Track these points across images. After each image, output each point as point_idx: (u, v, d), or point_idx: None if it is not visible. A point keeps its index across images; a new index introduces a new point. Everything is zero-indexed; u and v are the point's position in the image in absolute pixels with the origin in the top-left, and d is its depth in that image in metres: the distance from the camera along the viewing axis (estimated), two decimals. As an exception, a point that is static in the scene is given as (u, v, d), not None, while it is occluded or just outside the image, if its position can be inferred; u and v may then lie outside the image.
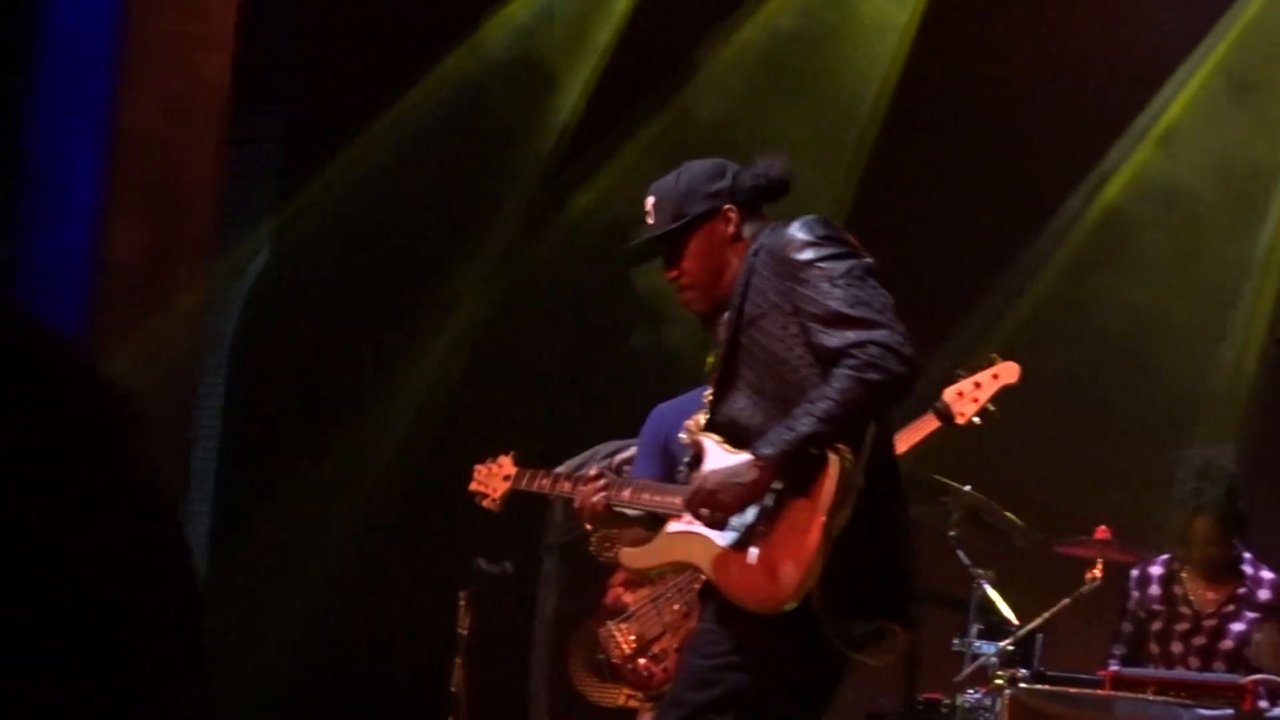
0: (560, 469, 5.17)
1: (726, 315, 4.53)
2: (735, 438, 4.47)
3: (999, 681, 6.48)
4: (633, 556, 4.79)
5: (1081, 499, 8.27)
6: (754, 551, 4.37)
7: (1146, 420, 8.75)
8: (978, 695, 6.63)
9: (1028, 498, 7.48)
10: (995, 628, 6.83)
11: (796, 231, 4.45)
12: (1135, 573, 7.03)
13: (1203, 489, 6.81)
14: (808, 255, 4.40)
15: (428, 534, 8.67)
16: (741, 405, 4.47)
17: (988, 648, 6.72)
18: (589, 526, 4.97)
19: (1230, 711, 6.17)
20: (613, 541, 5.49)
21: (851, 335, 4.29)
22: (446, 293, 9.33)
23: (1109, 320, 8.98)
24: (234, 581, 8.73)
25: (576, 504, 4.82)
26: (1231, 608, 6.87)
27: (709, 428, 4.55)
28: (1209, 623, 6.88)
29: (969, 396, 5.56)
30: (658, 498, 4.68)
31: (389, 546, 9.02)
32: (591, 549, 5.89)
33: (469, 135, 9.23)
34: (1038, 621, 6.72)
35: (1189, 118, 9.02)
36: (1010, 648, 6.67)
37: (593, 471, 4.85)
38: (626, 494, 4.74)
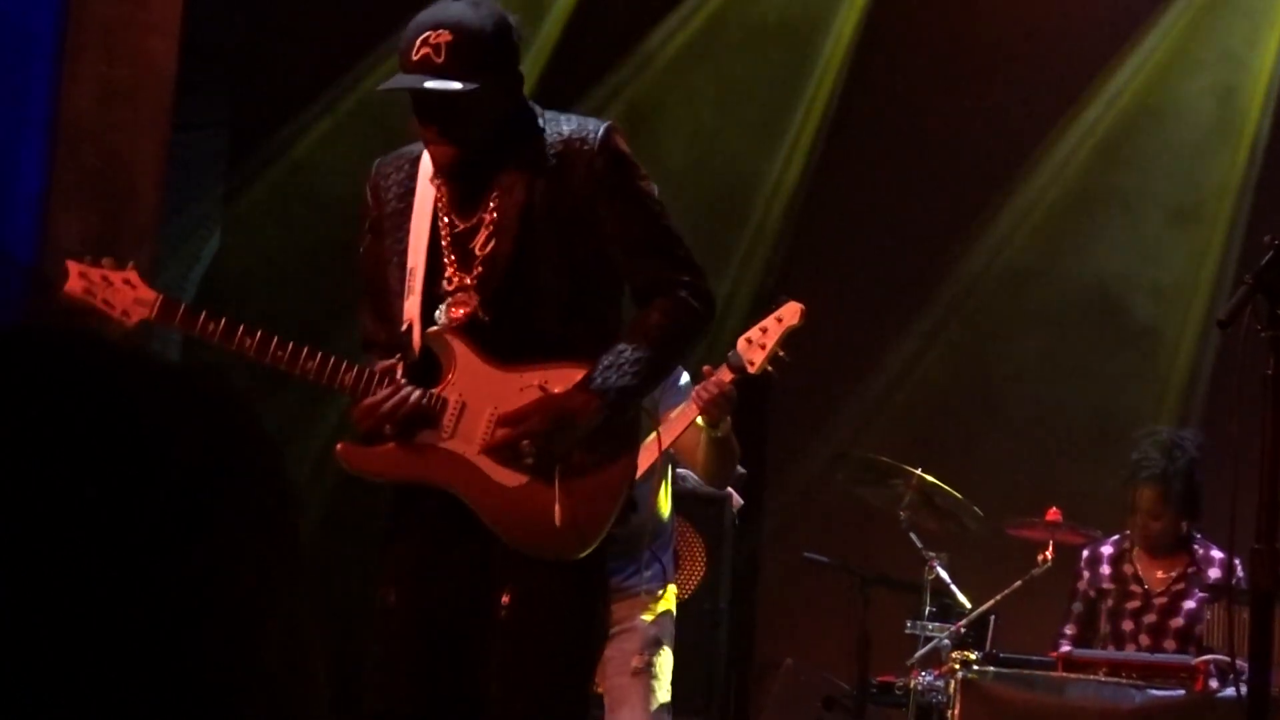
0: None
1: (495, 195, 4.05)
2: (507, 347, 4.07)
3: (952, 664, 6.48)
4: (361, 456, 4.14)
5: (1032, 481, 8.29)
6: (548, 500, 4.01)
7: (1094, 402, 8.77)
8: (930, 677, 6.63)
9: (978, 480, 7.50)
10: (948, 610, 6.84)
11: (606, 142, 4.05)
12: (1086, 553, 7.04)
13: (1155, 459, 6.82)
14: (622, 175, 4.05)
15: (357, 520, 8.64)
16: (531, 314, 4.06)
17: (940, 630, 6.72)
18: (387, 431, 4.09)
19: (1182, 692, 6.18)
20: None
21: (668, 272, 4.05)
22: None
23: (1053, 304, 8.99)
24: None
25: (369, 404, 4.07)
26: (1182, 586, 6.89)
27: (494, 326, 4.06)
28: (1159, 601, 6.89)
29: (757, 343, 5.26)
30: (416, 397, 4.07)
31: (338, 539, 8.98)
32: None
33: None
34: (990, 604, 6.72)
35: (1133, 100, 9.03)
36: (963, 630, 6.68)
37: (385, 366, 4.09)
38: (351, 379, 4.10)
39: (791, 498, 8.86)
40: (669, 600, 6.04)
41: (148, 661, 0.95)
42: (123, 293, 4.17)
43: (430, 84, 3.92)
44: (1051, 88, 9.06)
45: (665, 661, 6.02)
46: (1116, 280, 8.93)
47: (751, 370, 5.33)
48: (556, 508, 4.01)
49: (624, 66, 9.12)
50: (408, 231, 4.16)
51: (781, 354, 5.29)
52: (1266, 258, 3.88)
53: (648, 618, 5.94)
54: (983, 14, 9.26)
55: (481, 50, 3.94)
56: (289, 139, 8.93)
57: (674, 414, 5.60)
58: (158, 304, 4.17)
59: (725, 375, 5.45)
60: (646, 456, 5.00)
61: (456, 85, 3.91)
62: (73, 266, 4.21)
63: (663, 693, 5.95)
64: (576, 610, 4.10)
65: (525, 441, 4.01)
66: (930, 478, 6.80)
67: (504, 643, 4.07)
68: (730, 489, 6.29)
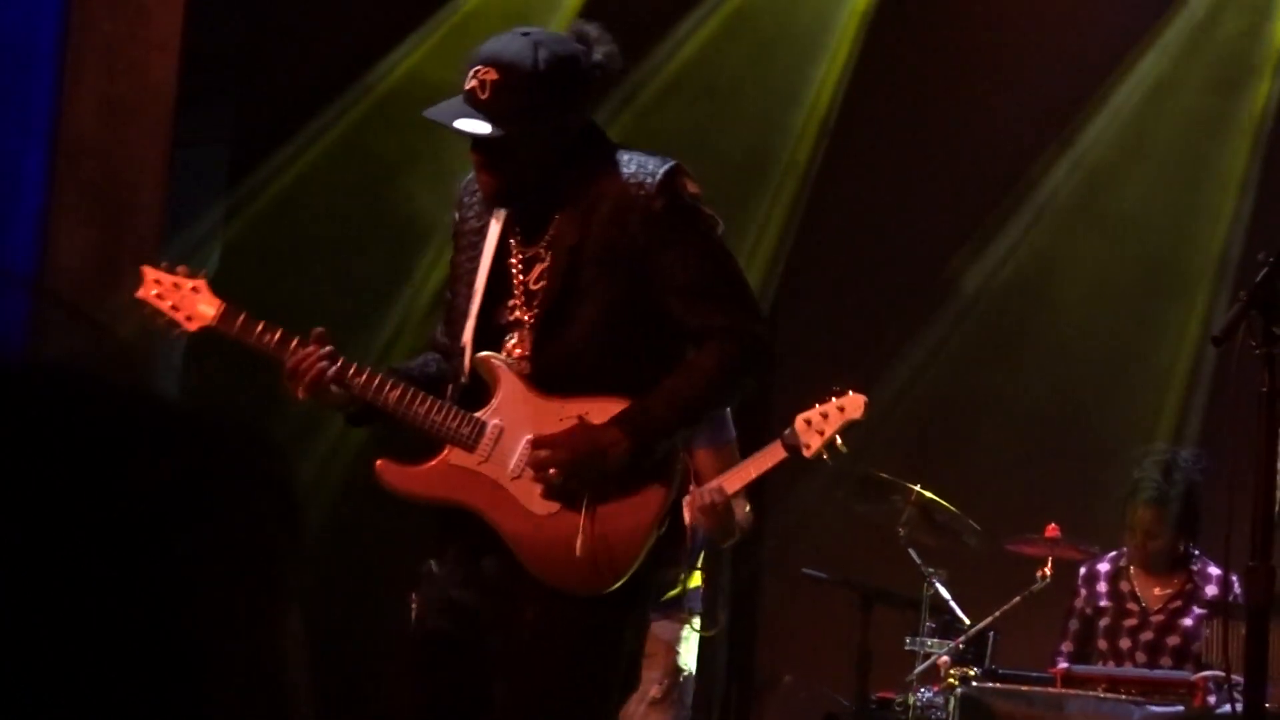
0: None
1: (551, 232, 4.10)
2: (551, 379, 4.13)
3: (951, 680, 6.48)
4: (398, 474, 4.24)
5: (1031, 497, 8.29)
6: (573, 532, 4.04)
7: (1093, 418, 8.77)
8: (930, 694, 6.64)
9: (977, 496, 7.50)
10: (947, 626, 6.85)
11: (665, 185, 4.06)
12: (1083, 570, 7.05)
13: (1156, 481, 6.82)
14: (679, 218, 4.05)
15: (379, 534, 8.64)
16: (574, 349, 4.10)
17: (940, 646, 6.73)
18: (300, 396, 4.23)
19: (1180, 708, 6.19)
20: None
21: (724, 319, 4.05)
22: (403, 295, 9.29)
23: (1051, 321, 8.99)
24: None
25: (291, 365, 4.20)
26: (1179, 604, 6.90)
27: (534, 357, 4.12)
28: (1156, 618, 6.90)
29: (816, 428, 5.26)
30: (440, 418, 4.16)
31: (337, 548, 8.99)
32: None
33: (422, 131, 9.18)
34: (989, 620, 6.73)
35: (1130, 118, 9.03)
36: (962, 646, 6.68)
37: (317, 333, 4.23)
38: (395, 396, 4.16)
39: (791, 514, 8.86)
40: (695, 579, 6.03)
41: (149, 658, 0.97)
42: (190, 299, 4.38)
43: (459, 123, 4.01)
44: (1055, 100, 9.06)
45: (688, 681, 6.02)
46: (1114, 296, 8.93)
47: (807, 454, 5.31)
48: (579, 537, 4.03)
49: (626, 78, 9.13)
50: (481, 253, 4.22)
51: (840, 444, 5.25)
52: (1261, 274, 3.88)
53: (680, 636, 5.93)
54: (986, 21, 9.26)
55: (524, 94, 3.98)
56: (290, 156, 8.94)
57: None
58: (220, 311, 4.35)
59: (779, 452, 5.45)
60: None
61: (486, 128, 3.99)
62: (148, 272, 4.43)
63: (688, 660, 5.93)
64: (592, 641, 4.09)
65: (553, 470, 4.05)
66: (929, 494, 6.81)
67: (518, 664, 4.09)
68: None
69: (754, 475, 5.73)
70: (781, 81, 9.29)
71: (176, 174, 7.68)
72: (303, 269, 8.92)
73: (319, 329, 4.26)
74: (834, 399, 5.27)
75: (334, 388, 4.20)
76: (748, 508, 6.08)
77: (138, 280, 4.43)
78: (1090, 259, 9.02)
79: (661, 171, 4.06)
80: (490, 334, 4.18)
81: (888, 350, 8.99)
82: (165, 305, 4.38)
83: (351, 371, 4.21)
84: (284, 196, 8.94)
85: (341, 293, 9.08)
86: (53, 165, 7.04)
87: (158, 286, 4.40)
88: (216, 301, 4.38)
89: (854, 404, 5.26)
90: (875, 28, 9.19)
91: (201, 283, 4.41)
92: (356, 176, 9.12)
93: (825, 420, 5.24)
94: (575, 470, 4.05)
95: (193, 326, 4.38)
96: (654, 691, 5.86)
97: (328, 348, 4.21)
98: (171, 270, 4.43)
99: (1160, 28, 8.99)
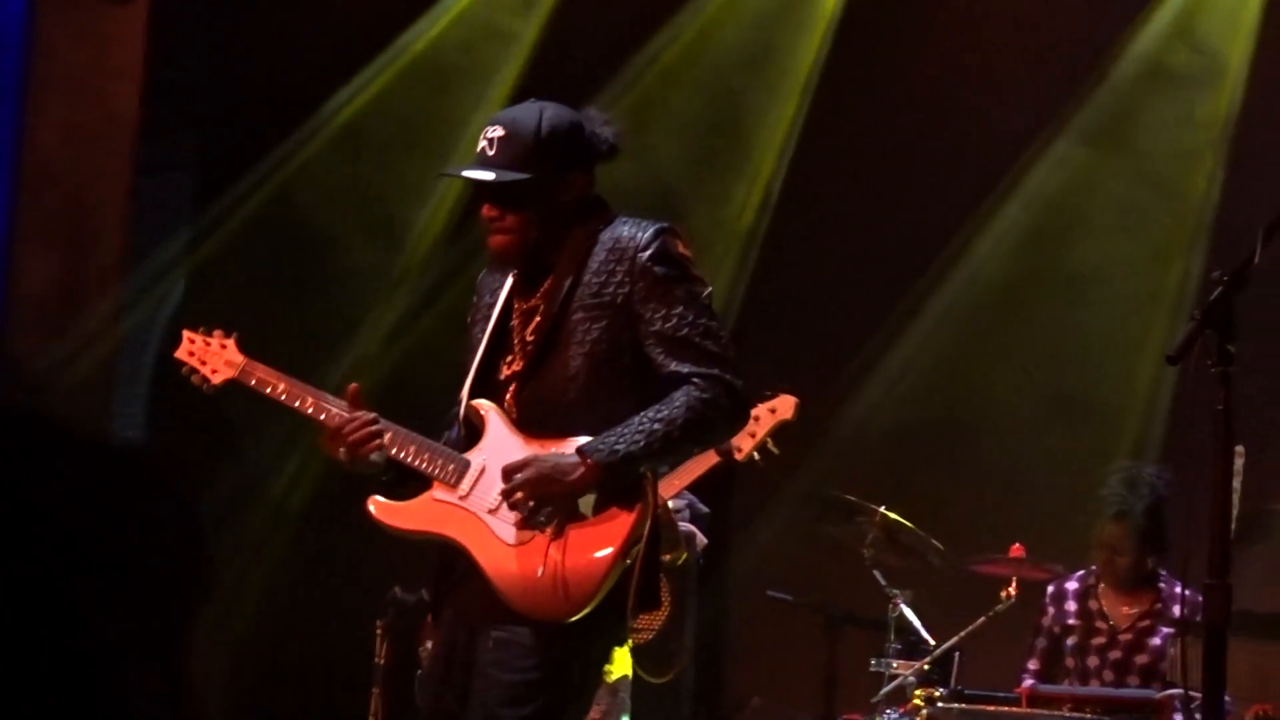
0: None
1: (546, 285, 4.35)
2: (535, 421, 4.32)
3: (917, 701, 6.49)
4: (387, 511, 4.40)
5: (995, 517, 8.30)
6: (540, 560, 4.21)
7: (1057, 439, 8.79)
8: (896, 715, 6.63)
9: (941, 517, 7.51)
10: (912, 647, 6.85)
11: (654, 241, 4.31)
12: (1051, 589, 7.06)
13: (1121, 495, 6.85)
14: (665, 271, 4.28)
15: (344, 564, 8.64)
16: (557, 390, 4.31)
17: (905, 667, 6.73)
18: (341, 457, 4.41)
19: (1145, 727, 6.20)
20: None
21: (700, 367, 4.23)
22: (364, 325, 9.29)
23: (1013, 343, 9.00)
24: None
25: (335, 427, 4.39)
26: (1147, 622, 6.91)
27: (518, 399, 4.34)
28: (1124, 637, 6.91)
29: (747, 431, 5.25)
30: (429, 457, 4.36)
31: (304, 577, 8.98)
32: None
33: (379, 163, 9.20)
34: (954, 640, 6.73)
35: (1095, 139, 9.07)
36: (927, 667, 6.69)
37: (352, 390, 4.44)
38: (389, 437, 4.38)
39: (757, 536, 8.87)
40: (624, 665, 6.01)
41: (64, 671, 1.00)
42: (217, 355, 4.76)
43: (467, 171, 4.37)
44: (1020, 117, 9.07)
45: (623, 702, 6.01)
46: (1080, 317, 8.96)
47: (738, 457, 5.34)
48: (542, 564, 4.19)
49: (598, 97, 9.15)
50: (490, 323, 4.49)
51: (771, 445, 5.27)
52: (1215, 293, 3.91)
53: (605, 680, 5.92)
54: (964, 28, 9.27)
55: (523, 148, 4.31)
56: (254, 184, 8.94)
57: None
58: (241, 366, 4.70)
59: (710, 457, 5.47)
60: None
61: (489, 175, 4.31)
62: (186, 334, 4.83)
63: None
64: (540, 669, 4.21)
65: (518, 493, 4.21)
66: (893, 515, 6.82)
67: (476, 686, 4.25)
68: (694, 528, 6.31)
69: (688, 481, 5.75)
70: (750, 98, 9.32)
71: (141, 201, 7.69)
72: (267, 296, 8.91)
73: (354, 386, 4.49)
74: (764, 402, 5.30)
75: (374, 456, 4.39)
76: (702, 539, 6.10)
77: (176, 341, 4.85)
78: (1053, 279, 9.05)
79: (652, 229, 4.32)
80: (491, 389, 4.41)
81: (852, 372, 9.01)
82: (195, 361, 4.75)
83: (391, 439, 4.41)
84: (248, 224, 8.93)
85: (304, 320, 9.08)
86: (16, 193, 7.04)
87: (191, 345, 4.78)
88: (241, 358, 4.71)
89: (785, 405, 5.31)
90: (837, 53, 9.23)
91: (231, 342, 4.76)
92: (320, 205, 9.12)
93: (756, 423, 5.27)
94: (537, 492, 4.20)
95: (217, 380, 4.72)
96: (593, 713, 5.86)
97: (372, 414, 4.42)
98: (208, 332, 4.80)
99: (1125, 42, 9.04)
